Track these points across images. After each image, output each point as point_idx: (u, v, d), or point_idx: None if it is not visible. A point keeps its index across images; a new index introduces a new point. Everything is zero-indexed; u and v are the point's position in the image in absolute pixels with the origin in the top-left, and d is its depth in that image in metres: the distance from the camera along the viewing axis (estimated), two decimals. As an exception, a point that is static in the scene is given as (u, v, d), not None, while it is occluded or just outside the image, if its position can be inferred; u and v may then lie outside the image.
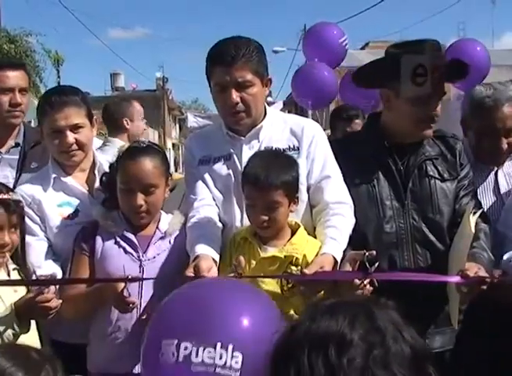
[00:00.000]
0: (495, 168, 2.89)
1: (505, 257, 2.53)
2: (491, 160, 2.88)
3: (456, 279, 2.23)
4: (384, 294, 1.22)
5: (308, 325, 1.05)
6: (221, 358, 1.59)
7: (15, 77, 3.10)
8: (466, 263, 2.25)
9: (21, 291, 2.39)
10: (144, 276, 2.43)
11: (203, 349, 1.59)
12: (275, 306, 1.84)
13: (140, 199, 2.44)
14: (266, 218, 2.33)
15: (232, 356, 1.61)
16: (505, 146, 2.80)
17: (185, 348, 1.58)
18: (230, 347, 1.60)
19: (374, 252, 2.18)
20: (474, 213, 2.36)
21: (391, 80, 2.55)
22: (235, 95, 2.44)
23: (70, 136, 2.60)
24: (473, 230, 2.29)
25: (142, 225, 2.55)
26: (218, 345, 1.60)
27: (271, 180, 2.30)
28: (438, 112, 2.59)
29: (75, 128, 2.61)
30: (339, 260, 2.26)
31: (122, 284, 2.29)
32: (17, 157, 3.15)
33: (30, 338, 2.34)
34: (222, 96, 2.48)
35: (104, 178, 2.63)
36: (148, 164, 2.46)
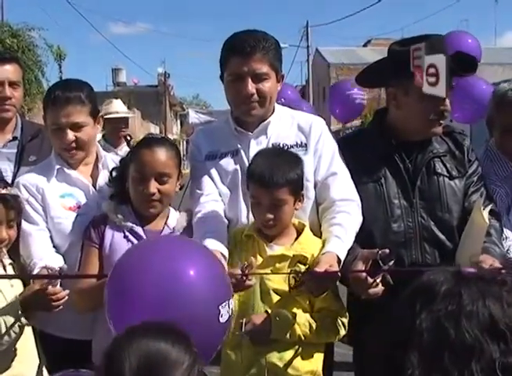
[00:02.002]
0: None
1: None
2: None
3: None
4: None
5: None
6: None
7: (4, 71, 3.03)
8: (480, 256, 2.20)
9: (17, 286, 2.38)
10: None
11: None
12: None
13: (153, 186, 2.41)
14: (272, 216, 2.32)
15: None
16: None
17: (230, 305, 1.88)
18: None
19: (387, 250, 2.15)
20: (484, 208, 2.32)
21: (396, 78, 2.50)
22: (251, 86, 2.42)
23: (70, 134, 2.56)
24: (487, 221, 2.25)
25: (151, 215, 2.51)
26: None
27: (276, 179, 2.28)
28: (448, 107, 2.52)
29: (76, 126, 2.57)
30: (342, 259, 2.23)
31: None
32: (15, 150, 3.10)
33: (26, 332, 2.34)
34: (237, 86, 2.45)
35: (114, 172, 2.60)
36: (163, 153, 2.44)
